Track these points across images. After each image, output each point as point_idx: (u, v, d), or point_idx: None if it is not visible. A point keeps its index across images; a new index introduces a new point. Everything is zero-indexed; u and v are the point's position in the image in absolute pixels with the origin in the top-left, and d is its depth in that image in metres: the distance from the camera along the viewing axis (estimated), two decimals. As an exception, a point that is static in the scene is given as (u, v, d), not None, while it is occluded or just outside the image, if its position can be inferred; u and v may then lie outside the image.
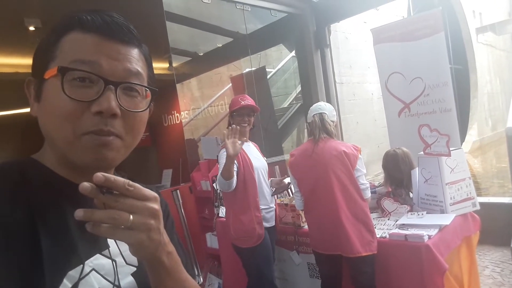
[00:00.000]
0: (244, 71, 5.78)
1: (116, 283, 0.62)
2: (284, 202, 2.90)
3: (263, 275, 2.54)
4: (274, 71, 7.13)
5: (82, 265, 0.57)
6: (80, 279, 0.56)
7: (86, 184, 0.47)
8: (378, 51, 4.25)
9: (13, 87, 5.53)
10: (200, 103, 6.54)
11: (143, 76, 0.63)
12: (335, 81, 5.29)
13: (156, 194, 0.54)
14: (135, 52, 0.62)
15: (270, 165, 4.14)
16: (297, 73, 5.79)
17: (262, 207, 2.59)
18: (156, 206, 0.53)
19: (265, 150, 4.63)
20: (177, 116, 6.94)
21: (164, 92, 6.96)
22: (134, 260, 0.66)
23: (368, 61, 5.82)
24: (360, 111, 6.31)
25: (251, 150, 2.70)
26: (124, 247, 0.63)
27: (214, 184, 3.31)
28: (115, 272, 0.62)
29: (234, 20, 5.39)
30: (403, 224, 2.41)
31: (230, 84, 6.15)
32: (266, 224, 2.59)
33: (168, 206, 0.80)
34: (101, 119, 0.56)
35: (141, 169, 7.67)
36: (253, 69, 5.58)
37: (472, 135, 11.16)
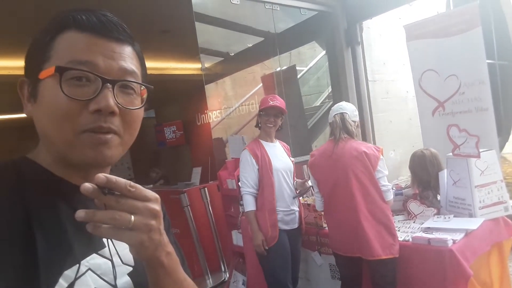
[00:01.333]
0: (275, 70, 5.78)
1: (112, 282, 0.62)
2: (307, 202, 2.89)
3: (276, 278, 2.53)
4: (305, 69, 7.08)
5: (78, 265, 0.57)
6: (76, 278, 0.56)
7: (87, 185, 0.47)
8: (411, 48, 4.12)
9: (9, 89, 5.68)
10: (232, 102, 6.62)
11: (138, 74, 0.64)
12: (367, 79, 5.17)
13: (157, 195, 0.55)
14: (129, 50, 0.63)
15: (299, 165, 4.14)
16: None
17: (280, 209, 2.58)
18: (157, 207, 0.53)
19: (294, 149, 4.62)
20: (210, 115, 7.07)
21: (197, 92, 7.12)
22: (130, 259, 0.66)
23: (402, 58, 5.64)
24: (394, 110, 6.12)
25: (276, 151, 2.71)
26: (121, 247, 0.64)
27: (239, 183, 3.36)
28: (111, 272, 0.63)
29: (263, 20, 5.40)
30: (428, 228, 2.34)
31: (261, 84, 6.18)
32: (285, 227, 2.59)
33: (164, 207, 0.81)
34: (99, 117, 0.57)
35: (175, 167, 7.90)
36: (283, 68, 5.58)
37: (519, 134, 10.49)
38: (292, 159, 2.84)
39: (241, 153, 2.71)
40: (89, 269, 0.59)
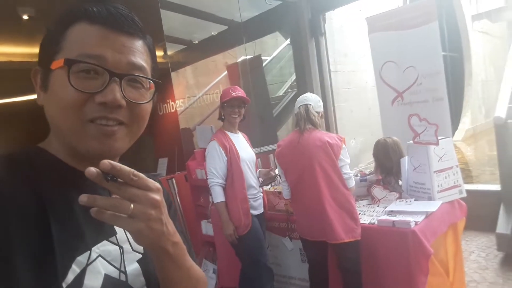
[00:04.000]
0: (240, 59, 5.79)
1: (122, 269, 0.63)
2: (278, 190, 2.97)
3: (257, 260, 2.64)
4: (269, 59, 7.13)
5: (89, 251, 0.59)
6: (87, 264, 0.57)
7: (92, 169, 0.49)
8: (372, 40, 4.27)
9: (8, 76, 5.53)
10: (195, 92, 6.55)
11: (147, 69, 0.64)
12: (329, 70, 5.31)
13: (159, 186, 0.56)
14: (139, 44, 0.63)
15: (266, 154, 4.21)
16: (293, 61, 5.80)
17: (249, 196, 2.67)
18: (157, 197, 0.54)
19: (261, 139, 4.68)
20: (172, 104, 6.96)
21: (159, 80, 6.98)
22: (140, 247, 0.67)
23: (363, 50, 5.84)
24: (355, 100, 6.36)
25: (240, 141, 2.76)
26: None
27: (207, 174, 3.37)
28: (121, 258, 0.64)
29: (229, 8, 5.38)
30: (392, 211, 2.49)
31: (226, 72, 6.16)
32: (254, 212, 2.69)
33: (169, 196, 0.82)
34: (105, 108, 0.58)
35: (137, 158, 7.73)
36: (248, 57, 5.59)
37: (466, 123, 11.23)
38: (253, 149, 2.90)
39: (209, 145, 2.73)
40: (100, 255, 0.60)
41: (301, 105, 2.50)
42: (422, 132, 2.58)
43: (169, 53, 6.31)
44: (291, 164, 2.48)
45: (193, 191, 3.78)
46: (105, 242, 0.62)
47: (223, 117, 2.79)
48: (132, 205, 0.51)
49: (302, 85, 5.08)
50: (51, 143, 0.65)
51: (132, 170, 0.52)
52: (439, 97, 3.80)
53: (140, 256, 0.67)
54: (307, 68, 5.02)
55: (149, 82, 0.65)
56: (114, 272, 0.61)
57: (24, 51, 5.03)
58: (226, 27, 5.82)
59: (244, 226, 2.59)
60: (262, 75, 5.87)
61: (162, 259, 0.59)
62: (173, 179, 4.06)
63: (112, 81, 0.58)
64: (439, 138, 2.51)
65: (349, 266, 2.36)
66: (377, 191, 2.81)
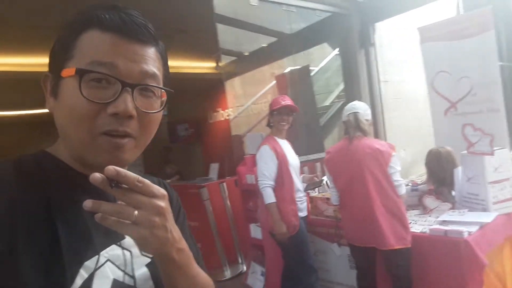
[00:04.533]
0: (288, 70, 5.92)
1: (131, 273, 0.63)
2: (326, 196, 3.04)
3: (303, 261, 2.76)
4: (316, 69, 7.21)
5: (97, 256, 0.59)
6: (96, 269, 0.58)
7: (97, 175, 0.49)
8: (424, 50, 4.24)
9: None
10: (244, 101, 6.76)
11: (159, 77, 0.64)
12: (379, 80, 5.30)
13: (165, 192, 0.55)
14: (151, 52, 0.62)
15: (313, 162, 4.28)
16: (340, 71, 5.83)
17: (296, 199, 2.80)
18: (162, 204, 0.53)
19: (308, 147, 4.75)
20: (222, 113, 7.22)
21: (209, 90, 7.26)
22: None
23: (414, 60, 5.76)
24: (405, 110, 6.25)
25: (287, 148, 2.90)
26: None
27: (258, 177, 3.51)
28: (130, 262, 0.64)
29: (279, 21, 5.54)
30: (444, 221, 2.47)
31: (273, 83, 6.32)
32: (300, 214, 2.81)
33: (179, 200, 0.83)
34: (116, 120, 0.58)
35: (186, 163, 8.07)
36: (296, 67, 5.71)
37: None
38: (297, 156, 3.04)
39: (259, 150, 2.88)
40: (108, 260, 0.60)
41: (350, 113, 2.56)
42: (477, 142, 2.56)
43: (220, 64, 6.60)
44: (340, 170, 2.55)
45: (243, 195, 3.92)
46: (113, 246, 0.62)
47: (271, 124, 2.92)
48: (136, 212, 0.51)
49: (351, 95, 5.11)
50: (59, 148, 0.65)
51: (137, 176, 0.51)
52: (495, 107, 3.69)
53: (149, 260, 0.67)
54: (356, 78, 5.05)
55: (161, 90, 0.64)
56: (122, 277, 0.62)
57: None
58: (276, 38, 5.99)
59: (293, 227, 2.72)
60: (310, 85, 5.95)
61: (167, 266, 0.58)
62: (224, 184, 4.25)
63: (124, 91, 0.58)
64: (494, 148, 2.47)
65: (400, 273, 2.37)
66: (429, 201, 2.79)
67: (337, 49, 6.49)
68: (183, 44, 5.50)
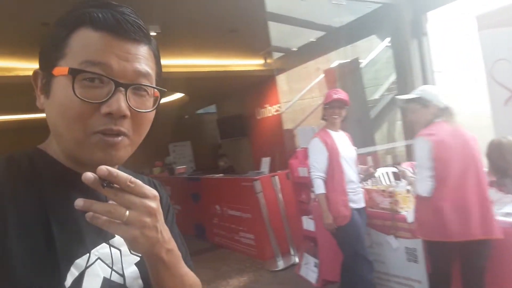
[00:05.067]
0: (336, 64, 5.89)
1: (120, 272, 0.64)
2: (381, 188, 3.04)
3: (356, 252, 2.78)
4: (365, 62, 7.10)
5: (88, 254, 0.59)
6: (86, 267, 0.58)
7: (89, 174, 0.49)
8: (482, 38, 4.07)
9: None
10: (290, 97, 6.81)
11: (152, 76, 0.63)
12: (432, 70, 5.14)
13: (156, 193, 0.55)
14: (144, 51, 0.62)
15: (362, 156, 4.27)
16: (390, 63, 5.70)
17: (348, 190, 2.82)
18: (153, 204, 0.54)
19: (358, 141, 4.73)
20: (270, 109, 7.32)
21: (257, 87, 7.39)
22: None
23: (470, 48, 5.52)
24: (460, 100, 6.00)
25: (341, 140, 2.94)
26: None
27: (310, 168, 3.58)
28: (120, 261, 0.64)
29: (327, 14, 5.52)
30: (508, 213, 2.40)
31: (320, 77, 6.31)
32: (354, 205, 2.83)
33: (168, 199, 0.82)
34: (110, 119, 0.58)
35: (236, 158, 8.28)
36: (344, 61, 5.67)
37: None
38: (355, 147, 3.05)
39: (311, 142, 2.96)
40: (99, 258, 0.61)
41: (433, 96, 2.38)
42: (544, 132, 2.45)
43: (268, 60, 6.69)
44: (454, 156, 2.26)
45: (295, 188, 4.00)
46: (104, 244, 0.63)
47: (325, 117, 2.98)
48: (127, 212, 0.51)
49: (403, 86, 5.00)
50: (51, 146, 0.65)
51: (129, 176, 0.52)
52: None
53: (138, 259, 0.67)
54: (409, 69, 4.93)
55: (154, 89, 0.64)
56: (112, 275, 0.62)
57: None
58: (324, 33, 5.98)
59: (343, 217, 2.76)
60: (360, 78, 5.89)
61: (156, 266, 0.59)
62: (276, 177, 4.35)
63: (117, 90, 0.58)
64: None
65: (483, 263, 2.26)
66: (491, 193, 2.71)
67: (387, 41, 6.36)
68: (233, 43, 5.66)
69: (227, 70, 6.56)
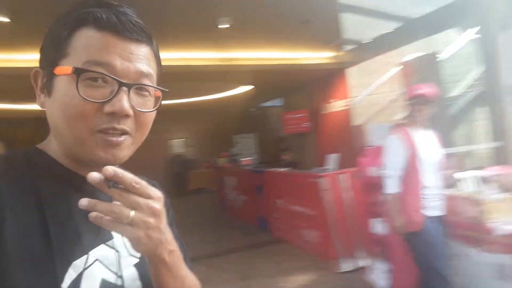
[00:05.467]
0: (410, 57, 5.52)
1: (119, 273, 0.63)
2: (464, 195, 2.77)
3: (430, 265, 2.51)
4: (443, 56, 6.59)
5: (86, 255, 0.59)
6: (84, 269, 0.57)
7: (95, 175, 0.49)
8: None
9: (205, 77, 6.51)
10: (358, 92, 6.53)
11: (153, 76, 0.64)
12: (526, 66, 4.60)
13: (160, 194, 0.55)
14: (147, 51, 0.63)
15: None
16: (471, 58, 5.19)
17: (426, 196, 2.57)
18: (158, 206, 0.54)
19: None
20: (336, 103, 7.10)
21: (324, 80, 7.20)
22: None
23: None
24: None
25: (424, 140, 2.68)
26: None
27: (384, 166, 3.36)
28: (118, 262, 0.64)
29: (404, 4, 5.18)
30: None
31: (393, 71, 5.96)
32: (431, 213, 2.57)
33: (168, 201, 0.82)
34: (113, 119, 0.58)
35: (299, 153, 8.19)
36: (420, 54, 5.30)
37: None
38: (441, 149, 2.76)
39: (388, 139, 2.75)
40: (97, 259, 0.60)
41: None
42: None
43: (339, 53, 6.47)
44: None
45: (364, 188, 3.81)
46: (102, 246, 0.62)
47: (408, 114, 2.75)
48: (132, 213, 0.51)
49: (492, 82, 4.54)
50: (50, 145, 0.65)
51: (135, 177, 0.52)
52: None
53: (137, 260, 0.67)
54: (498, 64, 4.46)
55: (155, 89, 0.65)
56: (110, 277, 0.62)
57: (218, 56, 5.91)
58: (399, 24, 5.62)
59: (414, 223, 2.52)
60: (437, 73, 5.46)
61: (158, 267, 0.59)
62: (343, 175, 4.19)
63: (121, 90, 0.58)
64: None
65: None
66: None
67: (468, 33, 5.82)
68: (303, 35, 5.53)
69: (295, 63, 6.45)
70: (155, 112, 0.66)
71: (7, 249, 0.52)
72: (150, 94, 0.64)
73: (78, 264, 0.57)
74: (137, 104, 0.61)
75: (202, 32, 4.99)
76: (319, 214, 4.38)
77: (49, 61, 0.60)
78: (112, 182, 0.50)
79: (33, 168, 0.60)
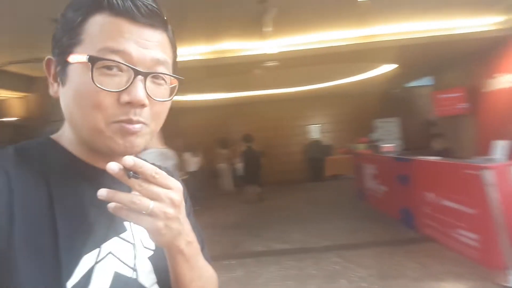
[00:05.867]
0: None
1: (133, 266, 0.62)
2: None
3: None
4: None
5: (98, 249, 0.58)
6: (96, 262, 0.57)
7: (114, 165, 0.49)
8: None
9: (343, 58, 6.19)
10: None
11: (169, 63, 0.62)
12: None
13: (180, 185, 0.55)
14: (162, 37, 0.61)
15: None
16: None
17: None
18: (177, 196, 0.54)
19: None
20: (504, 79, 5.85)
21: (488, 52, 6.00)
22: (151, 243, 0.66)
23: None
24: None
25: None
26: (142, 230, 0.59)
27: None
28: (132, 255, 0.63)
29: None
30: None
31: None
32: None
33: (186, 191, 0.75)
34: (130, 109, 0.57)
35: (454, 139, 7.10)
36: None
37: None
38: None
39: None
40: (110, 252, 0.59)
41: None
42: None
43: (504, 18, 5.29)
44: None
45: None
46: (115, 238, 0.61)
47: None
48: (152, 203, 0.51)
49: None
50: (63, 136, 0.64)
51: (155, 168, 0.52)
52: None
53: (152, 252, 0.66)
54: None
55: (170, 77, 0.63)
56: (124, 270, 0.61)
57: (360, 34, 5.47)
58: None
59: None
60: None
61: (175, 258, 0.59)
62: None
63: (137, 79, 0.56)
64: None
65: None
66: None
67: None
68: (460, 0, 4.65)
69: (451, 33, 5.50)
70: (170, 101, 0.65)
71: (14, 245, 0.51)
72: (166, 82, 0.63)
73: (89, 258, 0.56)
74: (153, 93, 0.59)
75: (340, 9, 4.64)
76: (481, 213, 3.64)
77: (63, 49, 0.59)
78: (131, 172, 0.50)
79: (45, 161, 0.60)
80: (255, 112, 11.13)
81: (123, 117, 0.57)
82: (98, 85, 0.55)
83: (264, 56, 5.55)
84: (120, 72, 0.57)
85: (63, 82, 0.59)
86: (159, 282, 0.66)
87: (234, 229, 6.24)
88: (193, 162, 8.18)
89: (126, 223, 0.64)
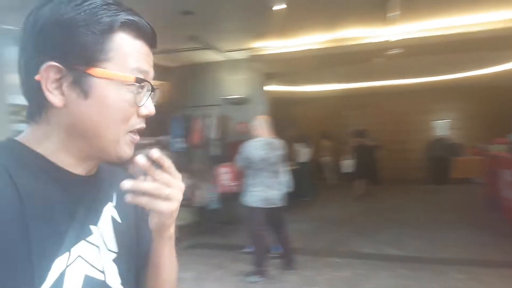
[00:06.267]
0: None
1: (101, 268, 0.64)
2: None
3: None
4: None
5: (68, 253, 0.58)
6: (67, 266, 0.57)
7: (142, 158, 0.59)
8: None
9: (480, 46, 5.39)
10: None
11: None
12: None
13: (179, 174, 0.65)
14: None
15: None
16: None
17: None
18: (182, 184, 0.65)
19: None
20: None
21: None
22: (114, 246, 0.68)
23: None
24: None
25: None
26: (106, 233, 0.67)
27: None
28: (99, 258, 0.64)
29: None
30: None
31: None
32: None
33: None
34: (143, 120, 0.66)
35: None
36: None
37: None
38: None
39: None
40: (79, 256, 0.60)
41: None
42: None
43: None
44: None
45: None
46: (82, 242, 0.62)
47: None
48: (168, 190, 0.61)
49: None
50: (41, 141, 0.62)
51: (169, 160, 0.62)
52: None
53: (115, 255, 0.69)
54: None
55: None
56: (93, 272, 0.62)
57: (497, 17, 4.66)
58: None
59: None
60: None
61: (165, 243, 0.70)
62: None
63: (151, 94, 0.66)
64: None
65: None
66: None
67: None
68: None
69: None
70: None
71: None
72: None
73: (60, 262, 0.57)
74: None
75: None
76: None
77: (82, 60, 0.59)
78: (155, 164, 0.61)
79: (13, 163, 0.58)
80: (375, 104, 10.53)
81: (139, 126, 0.66)
82: (134, 102, 0.63)
83: (387, 43, 5.14)
84: (140, 90, 0.64)
85: (86, 94, 0.60)
86: (123, 283, 0.68)
87: (340, 225, 6.04)
88: (304, 153, 8.12)
89: (92, 227, 0.65)
